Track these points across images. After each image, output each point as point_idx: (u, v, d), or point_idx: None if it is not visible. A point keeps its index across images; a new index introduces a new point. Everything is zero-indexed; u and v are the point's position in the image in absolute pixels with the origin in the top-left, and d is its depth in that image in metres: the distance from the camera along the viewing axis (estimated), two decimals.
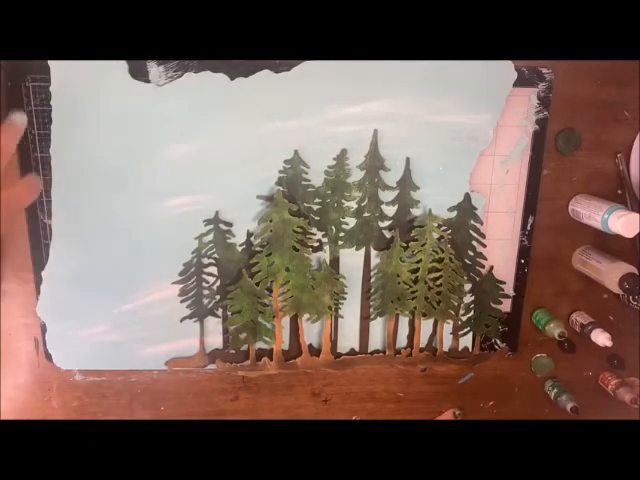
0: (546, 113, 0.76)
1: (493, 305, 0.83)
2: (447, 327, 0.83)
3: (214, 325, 0.81)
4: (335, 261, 0.80)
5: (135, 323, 0.79)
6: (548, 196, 0.80)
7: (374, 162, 0.76)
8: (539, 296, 0.85)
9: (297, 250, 0.76)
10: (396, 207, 0.78)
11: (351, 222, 0.78)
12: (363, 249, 0.80)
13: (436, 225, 0.78)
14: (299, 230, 0.76)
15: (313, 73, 0.72)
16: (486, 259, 0.81)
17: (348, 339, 0.84)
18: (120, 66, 0.70)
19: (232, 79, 0.71)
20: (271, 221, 0.75)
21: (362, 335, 0.84)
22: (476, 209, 0.79)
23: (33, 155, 0.73)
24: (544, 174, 0.79)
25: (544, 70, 0.74)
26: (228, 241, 0.77)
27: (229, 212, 0.77)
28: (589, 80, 0.76)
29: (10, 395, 0.83)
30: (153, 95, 0.71)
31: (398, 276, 0.79)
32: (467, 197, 0.78)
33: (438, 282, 0.80)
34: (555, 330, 0.81)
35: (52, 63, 0.69)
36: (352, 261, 0.80)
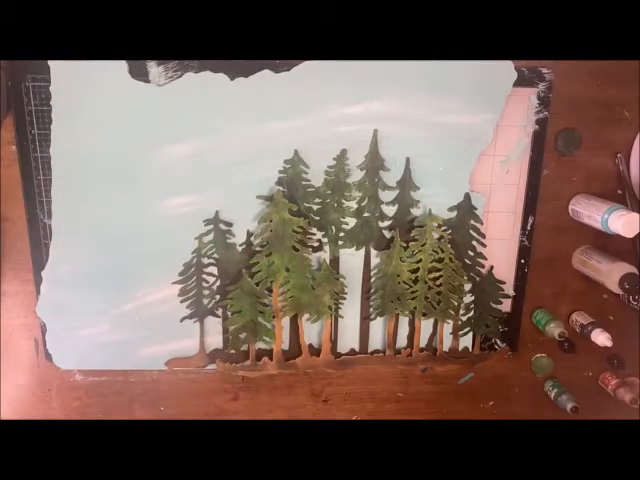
0: (546, 113, 0.76)
1: (493, 305, 0.83)
2: (447, 327, 0.83)
3: (214, 325, 0.81)
4: (335, 261, 0.80)
5: (135, 323, 0.79)
6: (548, 196, 0.80)
7: (374, 162, 0.76)
8: (539, 296, 0.85)
9: (297, 250, 0.76)
10: (396, 207, 0.78)
11: (351, 222, 0.78)
12: (363, 249, 0.80)
13: (436, 225, 0.78)
14: (299, 230, 0.76)
15: (313, 73, 0.72)
16: (486, 259, 0.81)
17: (348, 339, 0.84)
18: (120, 66, 0.70)
19: (232, 79, 0.71)
20: (271, 221, 0.75)
21: (362, 335, 0.84)
22: (476, 209, 0.79)
23: (33, 155, 0.73)
24: (544, 174, 0.79)
25: (544, 70, 0.74)
26: (228, 241, 0.77)
27: (229, 212, 0.77)
28: (589, 80, 0.76)
29: (10, 395, 0.83)
30: (153, 95, 0.71)
31: (398, 276, 0.79)
32: (467, 197, 0.78)
33: (438, 282, 0.80)
34: (555, 330, 0.81)
35: (52, 63, 0.69)
36: (352, 261, 0.80)
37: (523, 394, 0.90)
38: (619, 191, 0.80)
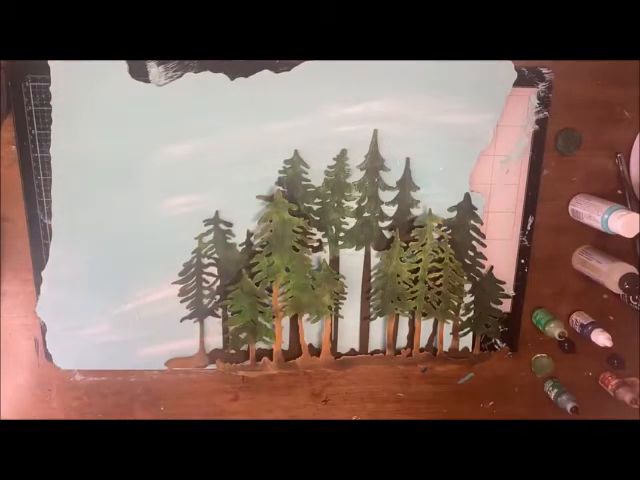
0: (546, 113, 0.76)
1: (493, 305, 0.83)
2: (447, 327, 0.83)
3: (214, 325, 0.81)
4: (335, 261, 0.80)
5: (135, 323, 0.79)
6: (548, 196, 0.80)
7: (374, 162, 0.76)
8: (539, 296, 0.85)
9: (297, 250, 0.76)
10: (396, 207, 0.78)
11: (351, 222, 0.78)
12: (363, 249, 0.80)
13: (436, 225, 0.78)
14: (299, 230, 0.76)
15: (313, 73, 0.72)
16: (486, 259, 0.81)
17: (348, 339, 0.84)
18: (120, 66, 0.70)
19: (232, 79, 0.71)
20: (271, 221, 0.75)
21: (362, 335, 0.84)
22: (476, 209, 0.79)
23: (33, 155, 0.73)
24: (544, 174, 0.79)
25: (544, 70, 0.74)
26: (228, 241, 0.77)
27: (229, 212, 0.77)
28: (589, 80, 0.76)
29: (10, 395, 0.83)
30: (153, 95, 0.71)
31: (398, 276, 0.79)
32: (467, 197, 0.78)
33: (438, 282, 0.80)
34: (555, 330, 0.81)
35: (52, 63, 0.68)
36: (352, 261, 0.80)
37: (523, 394, 0.90)
38: (619, 191, 0.80)
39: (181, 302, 0.79)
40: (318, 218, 0.78)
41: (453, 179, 0.77)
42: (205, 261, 0.78)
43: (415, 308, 0.81)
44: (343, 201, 0.77)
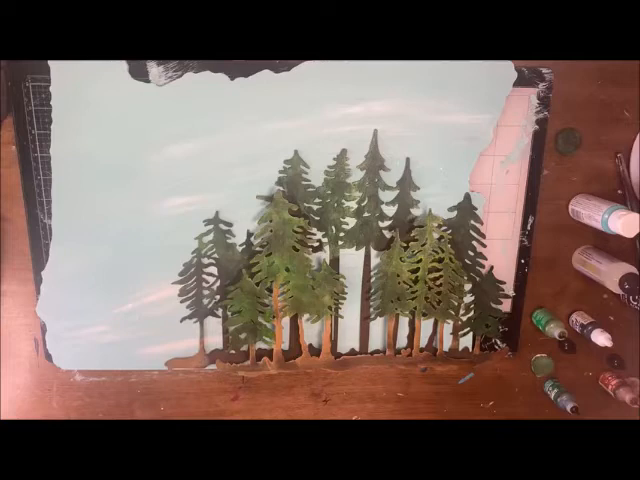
0: (546, 113, 0.76)
1: (493, 305, 0.83)
2: (447, 327, 0.83)
3: (214, 325, 0.81)
4: (335, 261, 0.80)
5: (135, 323, 0.79)
6: (548, 196, 0.80)
7: (374, 162, 0.76)
8: (539, 296, 0.85)
9: (297, 250, 0.76)
10: (396, 207, 0.78)
11: (351, 222, 0.78)
12: (363, 249, 0.80)
13: (436, 225, 0.78)
14: (299, 230, 0.76)
15: (313, 73, 0.72)
16: (486, 259, 0.81)
17: (348, 339, 0.84)
18: (120, 66, 0.70)
19: (232, 79, 0.71)
20: (271, 221, 0.75)
21: (362, 335, 0.84)
22: (476, 209, 0.79)
23: (33, 155, 0.73)
24: (544, 174, 0.79)
25: (544, 70, 0.74)
26: (228, 241, 0.77)
27: (229, 212, 0.77)
28: (589, 80, 0.76)
29: (10, 395, 0.83)
30: (153, 95, 0.71)
31: (398, 276, 0.79)
32: (467, 197, 0.78)
33: (438, 282, 0.80)
34: (555, 330, 0.81)
35: (52, 63, 0.69)
36: (352, 261, 0.80)
37: (523, 394, 0.90)
38: (619, 191, 0.80)
39: (181, 302, 0.79)
40: (318, 218, 0.78)
41: (453, 179, 0.77)
42: (205, 261, 0.78)
43: (415, 308, 0.81)
44: (343, 201, 0.77)
